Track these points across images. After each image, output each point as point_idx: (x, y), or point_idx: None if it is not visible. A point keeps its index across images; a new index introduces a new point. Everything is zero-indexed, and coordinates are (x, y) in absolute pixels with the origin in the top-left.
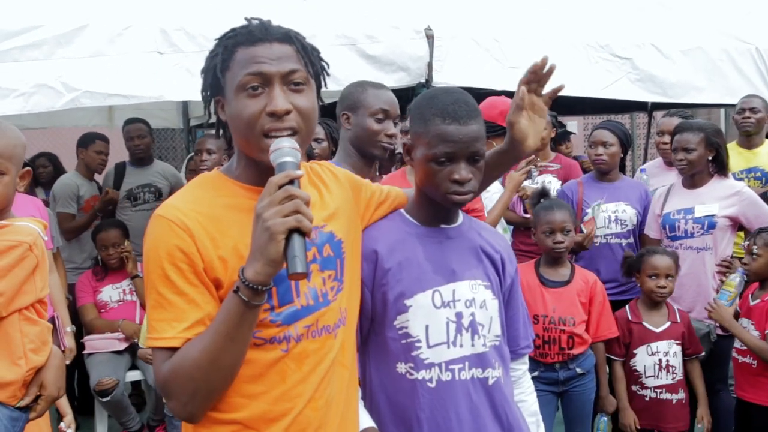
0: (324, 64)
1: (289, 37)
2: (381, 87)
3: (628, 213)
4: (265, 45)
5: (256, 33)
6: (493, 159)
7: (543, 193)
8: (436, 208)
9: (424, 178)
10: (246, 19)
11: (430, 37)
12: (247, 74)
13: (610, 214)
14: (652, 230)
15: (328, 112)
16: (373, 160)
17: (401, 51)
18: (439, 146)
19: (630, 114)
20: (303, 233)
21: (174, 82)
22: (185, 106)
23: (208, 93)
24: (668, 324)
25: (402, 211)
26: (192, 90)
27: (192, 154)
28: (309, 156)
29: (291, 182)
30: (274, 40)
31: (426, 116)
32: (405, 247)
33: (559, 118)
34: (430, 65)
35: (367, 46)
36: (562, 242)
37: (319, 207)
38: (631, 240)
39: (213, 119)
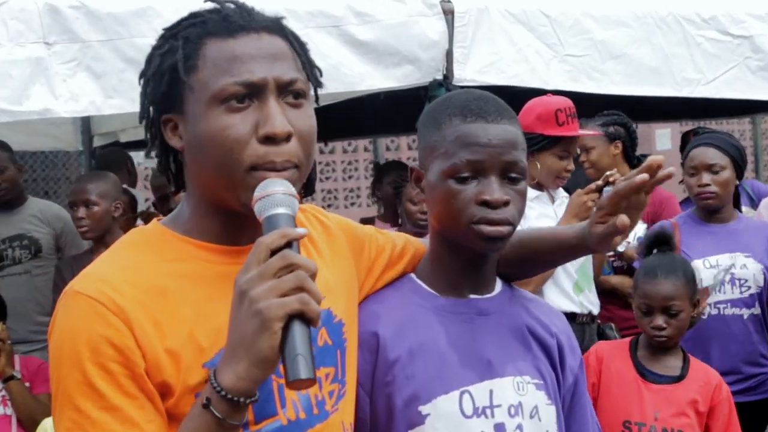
0: (317, 69)
1: (280, 26)
2: None
3: (750, 269)
4: (249, 37)
5: (235, 18)
6: (547, 243)
7: (660, 238)
8: (462, 266)
9: (441, 208)
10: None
11: (449, 13)
12: (230, 81)
13: (723, 272)
14: None
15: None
16: None
17: (407, 35)
18: (461, 153)
19: (751, 118)
20: (307, 321)
21: (69, 89)
22: (86, 120)
23: (154, 108)
24: None
25: (412, 275)
26: (98, 100)
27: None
28: None
29: (289, 245)
30: (261, 30)
31: (440, 119)
32: (418, 329)
33: (645, 126)
34: (449, 54)
35: (356, 29)
36: (663, 329)
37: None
38: (757, 310)
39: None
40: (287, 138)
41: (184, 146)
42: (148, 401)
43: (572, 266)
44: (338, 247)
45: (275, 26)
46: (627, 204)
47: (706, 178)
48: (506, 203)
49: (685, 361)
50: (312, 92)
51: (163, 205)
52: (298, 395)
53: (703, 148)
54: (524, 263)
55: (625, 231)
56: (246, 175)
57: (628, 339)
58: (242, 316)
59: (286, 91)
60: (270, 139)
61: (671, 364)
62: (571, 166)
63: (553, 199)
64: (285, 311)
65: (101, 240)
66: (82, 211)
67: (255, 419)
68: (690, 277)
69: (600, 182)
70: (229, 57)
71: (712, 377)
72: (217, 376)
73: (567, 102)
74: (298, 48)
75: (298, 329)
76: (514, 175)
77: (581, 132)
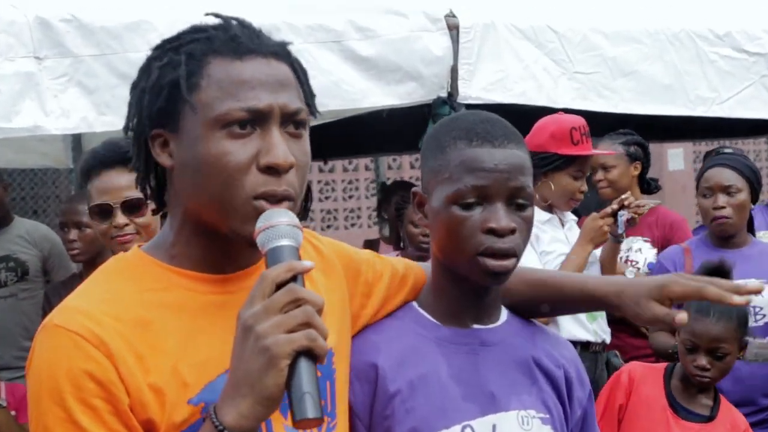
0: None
1: (287, 52)
2: None
3: (766, 297)
4: (258, 61)
5: (243, 40)
6: (574, 292)
7: (719, 269)
8: (465, 295)
9: (444, 236)
10: (216, 15)
11: (453, 29)
12: (235, 106)
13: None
14: None
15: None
16: None
17: (410, 50)
18: (466, 178)
19: (767, 138)
20: (314, 357)
21: (60, 104)
22: (77, 137)
23: (146, 124)
24: None
25: (413, 304)
26: (90, 116)
27: None
28: None
29: (294, 278)
30: (270, 55)
31: (444, 142)
32: (419, 360)
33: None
34: (454, 71)
35: (358, 44)
36: (707, 369)
37: None
38: None
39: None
40: (288, 169)
41: (174, 165)
42: None
43: None
44: (331, 272)
45: (283, 52)
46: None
47: (722, 200)
48: (513, 231)
49: (716, 401)
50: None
51: None
52: (285, 429)
53: (719, 169)
54: (541, 305)
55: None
56: (244, 203)
57: (663, 365)
58: (247, 353)
59: (290, 121)
60: (271, 170)
61: (703, 402)
62: (585, 187)
63: (562, 223)
64: (293, 348)
65: (92, 263)
66: (73, 233)
67: None
68: (743, 321)
69: (615, 206)
70: (236, 80)
71: (740, 422)
72: (218, 414)
73: (581, 120)
74: (302, 77)
75: (304, 366)
76: (520, 201)
77: (597, 151)
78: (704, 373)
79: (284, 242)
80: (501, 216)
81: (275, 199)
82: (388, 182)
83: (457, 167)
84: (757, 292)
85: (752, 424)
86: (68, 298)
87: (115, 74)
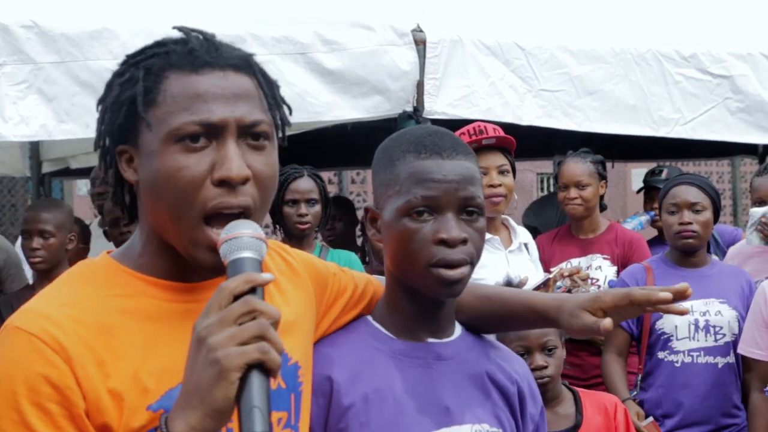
0: (286, 108)
1: (248, 63)
2: None
3: (725, 316)
4: (214, 74)
5: (200, 53)
6: (518, 307)
7: None
8: (419, 309)
9: (396, 249)
10: (179, 28)
11: (420, 43)
12: (188, 120)
13: (697, 318)
14: (758, 347)
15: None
16: None
17: (377, 63)
18: (415, 189)
19: (730, 160)
20: (266, 371)
21: (19, 112)
22: (35, 145)
23: (107, 139)
24: None
25: (368, 318)
26: (50, 124)
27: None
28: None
29: (253, 290)
30: (227, 68)
31: (394, 156)
32: (374, 373)
33: (621, 165)
34: (420, 85)
35: (324, 56)
36: (545, 368)
37: None
38: (731, 358)
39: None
40: (243, 182)
41: (138, 180)
42: None
43: None
44: (301, 285)
45: (243, 64)
46: (623, 311)
47: (688, 216)
48: (464, 241)
49: (578, 404)
50: (278, 133)
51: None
52: None
53: (685, 187)
54: (487, 319)
55: (605, 335)
56: (197, 223)
57: None
58: (199, 364)
59: (248, 133)
60: (225, 183)
61: (564, 412)
62: (496, 181)
63: (510, 243)
64: (244, 361)
65: (48, 273)
66: (37, 242)
67: None
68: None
69: (556, 276)
70: (191, 94)
71: (608, 403)
72: (169, 425)
73: (474, 125)
74: (266, 88)
75: (256, 380)
76: (471, 209)
77: (485, 138)
78: (543, 372)
79: (246, 254)
80: (452, 226)
81: (230, 212)
82: (351, 196)
83: (407, 179)
84: (684, 291)
85: None
86: (31, 300)
87: (75, 82)
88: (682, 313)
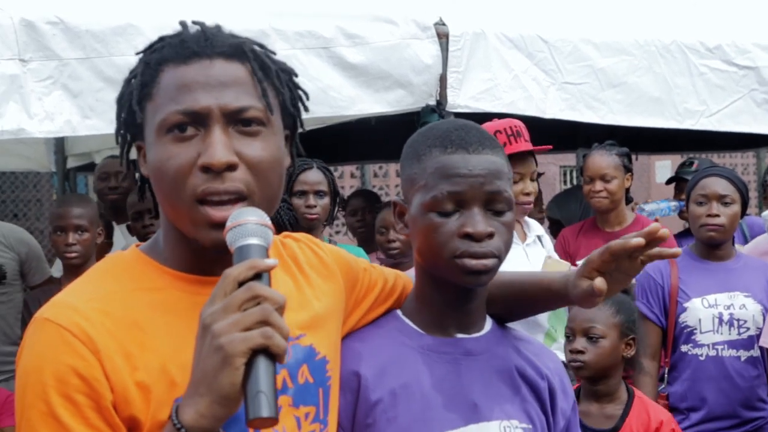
0: (300, 92)
1: (241, 50)
2: None
3: (749, 310)
4: (202, 63)
5: (190, 44)
6: (531, 287)
7: None
8: (449, 304)
9: (423, 242)
10: (181, 23)
11: (443, 37)
12: (173, 110)
13: (721, 312)
14: None
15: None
16: None
17: (399, 57)
18: (441, 185)
19: (755, 151)
20: (273, 356)
21: (44, 107)
22: (60, 141)
23: (122, 133)
24: None
25: (398, 312)
26: (74, 120)
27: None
28: (280, 224)
29: (258, 276)
30: (216, 56)
31: (420, 150)
32: (402, 369)
33: (645, 157)
34: (443, 79)
35: (347, 51)
36: (582, 353)
37: (295, 305)
38: (755, 351)
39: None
40: (230, 168)
41: (148, 173)
42: None
43: (543, 315)
44: (331, 279)
45: (233, 51)
46: (617, 267)
47: (717, 208)
48: (490, 235)
49: (627, 406)
50: (279, 119)
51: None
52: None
53: (715, 179)
54: (510, 306)
55: (600, 296)
56: (191, 207)
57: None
58: (204, 351)
59: (237, 119)
60: (208, 170)
61: (610, 412)
62: (529, 189)
63: (525, 237)
64: (247, 346)
65: (78, 268)
66: (72, 237)
67: None
68: (623, 311)
69: None
70: (178, 85)
71: (653, 419)
72: (178, 413)
73: (509, 122)
74: (261, 72)
75: (262, 365)
76: (499, 205)
77: (516, 149)
78: (578, 356)
79: (251, 241)
80: (477, 221)
81: (219, 198)
82: (373, 190)
83: (433, 174)
84: (654, 232)
85: None
86: (61, 293)
87: (100, 78)
88: (674, 255)
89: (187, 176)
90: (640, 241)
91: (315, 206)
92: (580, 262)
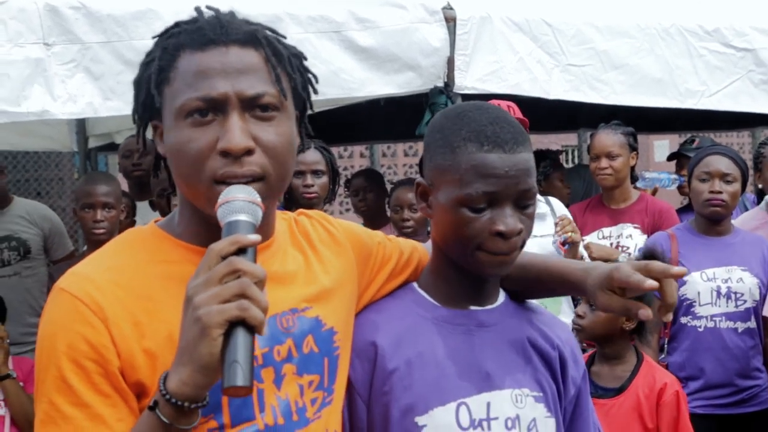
0: (310, 76)
1: (255, 37)
2: None
3: (746, 283)
4: (218, 50)
5: (206, 31)
6: (551, 276)
7: (648, 256)
8: (464, 279)
9: (450, 232)
10: (196, 9)
11: (450, 21)
12: (192, 96)
13: (719, 285)
14: None
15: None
16: None
17: (409, 41)
18: (476, 184)
19: (751, 131)
20: (251, 328)
21: (67, 90)
22: (81, 121)
23: (140, 115)
24: None
25: (414, 285)
26: (96, 102)
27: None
28: (291, 202)
29: (242, 252)
30: (232, 43)
31: (453, 141)
32: (417, 339)
33: (644, 137)
34: (450, 61)
35: (357, 34)
36: (581, 317)
37: (303, 280)
38: (752, 323)
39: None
40: (247, 152)
41: (166, 153)
42: (121, 400)
43: None
44: (342, 254)
45: (248, 38)
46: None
47: (719, 185)
48: (519, 233)
49: (635, 368)
50: (291, 103)
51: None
52: (278, 399)
53: (718, 157)
54: (523, 286)
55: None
56: (209, 187)
57: (588, 353)
58: (186, 322)
59: (253, 105)
60: (227, 154)
61: (619, 373)
62: None
63: None
64: (224, 318)
65: (101, 244)
66: (101, 214)
67: (231, 422)
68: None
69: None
70: (196, 71)
71: (658, 381)
72: (164, 381)
73: (504, 103)
74: (275, 59)
75: (240, 336)
76: (527, 201)
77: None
78: (578, 320)
79: (239, 217)
80: (509, 220)
81: (237, 181)
82: (382, 169)
83: (468, 171)
84: (680, 275)
85: (733, 404)
86: (79, 264)
87: (120, 61)
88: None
89: (206, 159)
90: (654, 284)
91: (312, 185)
92: (587, 238)
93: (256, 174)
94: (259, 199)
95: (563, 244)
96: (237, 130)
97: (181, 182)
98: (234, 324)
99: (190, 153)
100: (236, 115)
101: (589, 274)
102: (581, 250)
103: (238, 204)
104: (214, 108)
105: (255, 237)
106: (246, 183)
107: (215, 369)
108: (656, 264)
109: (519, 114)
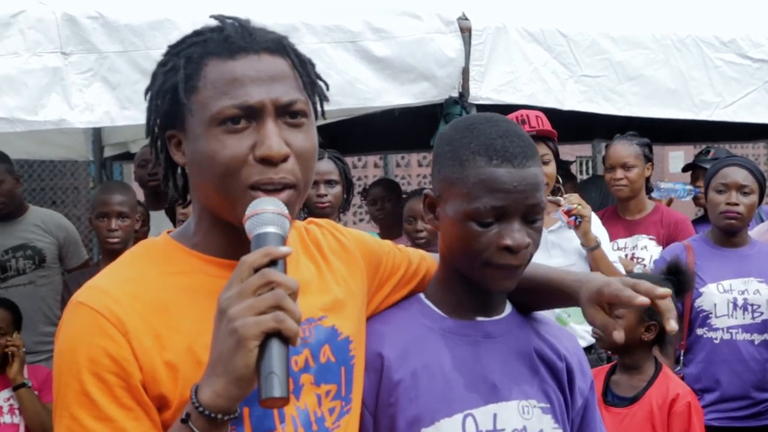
0: (322, 83)
1: (282, 46)
2: None
3: (763, 295)
4: (249, 58)
5: (235, 39)
6: (549, 287)
7: (671, 269)
8: (471, 290)
9: (457, 245)
10: (215, 17)
11: (465, 31)
12: (228, 104)
13: (735, 297)
14: None
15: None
16: None
17: (424, 51)
18: (485, 198)
19: (766, 142)
20: (285, 339)
21: (84, 99)
22: (97, 131)
23: (157, 124)
24: None
25: (421, 295)
26: (113, 111)
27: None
28: (304, 211)
29: (273, 263)
30: (262, 51)
31: (463, 155)
32: (424, 350)
33: (659, 148)
34: (465, 72)
35: (373, 44)
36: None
37: (317, 289)
38: None
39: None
40: (284, 159)
41: (187, 162)
42: (144, 413)
43: None
44: (352, 263)
45: (276, 46)
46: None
47: (736, 197)
48: (527, 247)
49: (652, 379)
50: (315, 109)
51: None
52: (297, 410)
53: (736, 168)
54: (527, 296)
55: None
56: (245, 194)
57: (611, 363)
58: (221, 334)
59: (285, 112)
60: (266, 161)
61: (636, 383)
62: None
63: (552, 220)
64: (260, 329)
65: (117, 253)
66: (115, 223)
67: None
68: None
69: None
70: (229, 79)
71: (671, 391)
72: (197, 393)
73: (516, 114)
74: (300, 67)
75: (275, 348)
76: (535, 216)
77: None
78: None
79: (268, 229)
80: (516, 234)
81: (273, 187)
82: (396, 179)
83: (476, 185)
84: (664, 296)
85: (748, 416)
86: (95, 277)
87: (137, 70)
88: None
89: (241, 166)
90: (645, 301)
91: (326, 195)
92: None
93: (289, 182)
94: (287, 211)
95: (568, 214)
96: (275, 137)
97: (210, 190)
98: (269, 335)
99: (223, 160)
100: (272, 122)
101: (582, 286)
102: (607, 252)
103: (268, 216)
104: (248, 115)
105: (286, 249)
106: (279, 190)
107: (250, 381)
108: (644, 283)
109: (548, 125)
